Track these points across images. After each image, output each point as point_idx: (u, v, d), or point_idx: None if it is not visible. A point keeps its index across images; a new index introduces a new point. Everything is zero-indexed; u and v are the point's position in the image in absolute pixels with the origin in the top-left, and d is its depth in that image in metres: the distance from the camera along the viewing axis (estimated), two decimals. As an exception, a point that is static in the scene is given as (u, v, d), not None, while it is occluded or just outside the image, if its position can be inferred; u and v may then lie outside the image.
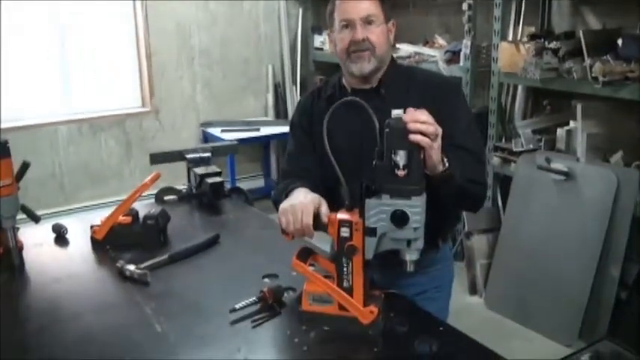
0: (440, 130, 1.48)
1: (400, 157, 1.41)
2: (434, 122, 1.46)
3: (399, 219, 1.42)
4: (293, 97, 5.66)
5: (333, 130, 1.62)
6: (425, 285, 1.90)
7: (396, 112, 1.76)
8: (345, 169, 1.54)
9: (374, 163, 1.44)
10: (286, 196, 1.71)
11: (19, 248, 1.99)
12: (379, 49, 1.80)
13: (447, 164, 1.55)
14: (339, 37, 1.83)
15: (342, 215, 1.49)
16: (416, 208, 1.42)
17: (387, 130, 1.42)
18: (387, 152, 1.42)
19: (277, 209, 1.67)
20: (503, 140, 3.96)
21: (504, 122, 4.03)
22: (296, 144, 2.00)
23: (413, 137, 1.41)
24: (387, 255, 1.47)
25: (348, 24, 1.79)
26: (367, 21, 1.78)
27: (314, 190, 1.72)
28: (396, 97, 1.81)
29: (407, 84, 1.85)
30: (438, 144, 1.48)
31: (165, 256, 1.95)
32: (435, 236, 1.87)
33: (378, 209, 1.44)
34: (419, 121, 1.43)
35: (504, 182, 3.96)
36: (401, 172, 1.41)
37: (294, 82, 5.70)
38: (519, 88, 4.02)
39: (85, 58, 4.92)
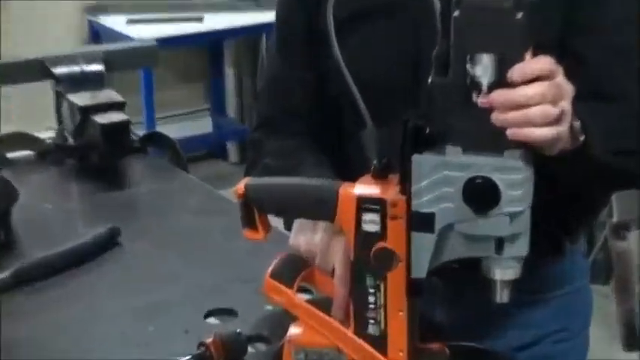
0: (570, 91, 0.83)
1: (484, 68, 0.81)
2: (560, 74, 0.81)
3: (482, 195, 0.82)
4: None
5: (358, 52, 1.11)
6: (538, 328, 1.24)
7: None
8: (373, 107, 1.01)
9: (429, 80, 0.86)
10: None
11: None
12: None
13: (581, 138, 0.90)
14: None
15: (363, 188, 0.86)
16: (516, 173, 0.81)
17: (455, 14, 0.81)
18: (456, 59, 0.83)
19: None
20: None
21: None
22: (285, 54, 1.31)
23: (525, 134, 0.79)
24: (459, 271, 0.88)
25: None
26: None
27: (315, 151, 1.16)
28: None
29: None
30: (568, 114, 0.83)
31: (5, 273, 1.26)
32: (555, 233, 1.22)
33: (439, 175, 0.83)
34: (534, 71, 0.78)
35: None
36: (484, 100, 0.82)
37: None
38: None
39: None
